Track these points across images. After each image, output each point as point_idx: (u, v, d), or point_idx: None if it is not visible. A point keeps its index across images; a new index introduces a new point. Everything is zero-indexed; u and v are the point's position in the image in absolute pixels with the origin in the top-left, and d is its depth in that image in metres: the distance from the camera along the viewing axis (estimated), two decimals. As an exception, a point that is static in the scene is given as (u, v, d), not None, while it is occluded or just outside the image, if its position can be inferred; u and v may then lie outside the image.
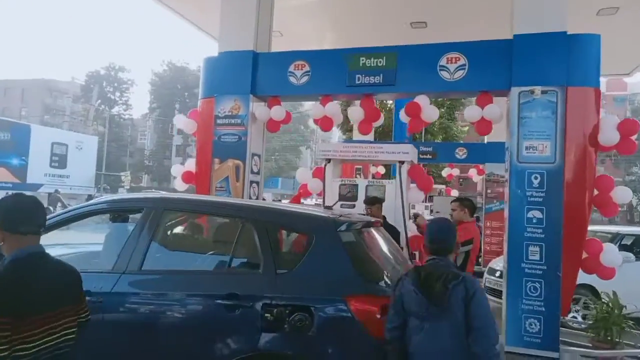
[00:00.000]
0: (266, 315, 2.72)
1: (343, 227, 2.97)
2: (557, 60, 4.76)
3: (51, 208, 22.72)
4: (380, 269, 2.93)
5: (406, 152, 5.33)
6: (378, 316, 2.66)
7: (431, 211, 13.93)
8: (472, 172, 13.62)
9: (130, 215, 3.80)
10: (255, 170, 6.33)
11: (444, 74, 5.29)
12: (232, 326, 2.81)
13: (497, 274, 7.23)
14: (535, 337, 4.74)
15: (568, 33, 4.80)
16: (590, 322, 5.20)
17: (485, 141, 12.45)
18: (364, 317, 2.65)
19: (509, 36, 5.10)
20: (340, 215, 3.12)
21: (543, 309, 4.71)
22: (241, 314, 2.79)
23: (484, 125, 5.22)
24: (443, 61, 5.29)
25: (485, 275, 7.80)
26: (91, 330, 2.91)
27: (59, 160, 24.20)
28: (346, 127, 19.50)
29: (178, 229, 5.17)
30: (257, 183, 6.43)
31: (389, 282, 2.85)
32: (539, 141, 4.82)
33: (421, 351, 2.37)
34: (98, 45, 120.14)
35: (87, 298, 2.90)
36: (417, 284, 2.42)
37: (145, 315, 3.00)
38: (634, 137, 4.79)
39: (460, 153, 12.21)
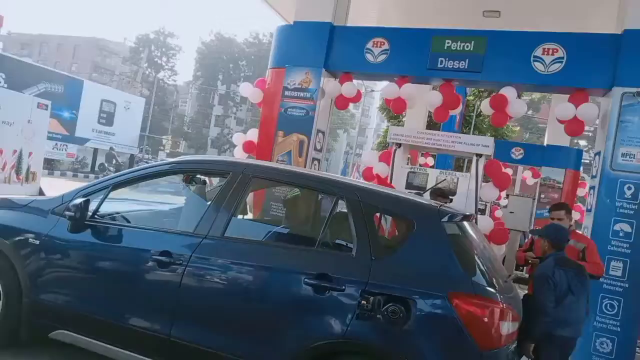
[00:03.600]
0: (357, 301, 2.49)
1: (446, 218, 2.71)
2: (673, 61, 4.33)
3: (106, 164, 23.34)
4: (486, 268, 2.67)
5: (486, 145, 5.01)
6: (485, 320, 2.40)
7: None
8: (527, 174, 13.05)
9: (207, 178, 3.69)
10: (318, 147, 6.15)
11: (538, 66, 4.92)
12: (319, 308, 2.62)
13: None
14: (606, 357, 4.45)
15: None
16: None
17: (545, 143, 11.85)
18: (469, 318, 2.37)
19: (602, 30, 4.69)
20: (442, 205, 2.87)
21: (618, 329, 4.41)
22: (329, 297, 2.56)
23: (575, 126, 4.84)
24: (538, 52, 4.92)
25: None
26: (167, 295, 2.88)
27: (107, 117, 24.63)
28: (391, 113, 19.04)
29: (262, 198, 5.09)
30: (319, 160, 6.26)
31: (494, 284, 2.60)
32: (638, 149, 4.43)
33: (576, 316, 3.35)
34: (151, 8, 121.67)
35: (164, 259, 2.88)
36: (574, 271, 3.36)
37: (225, 285, 2.86)
38: None
39: (517, 153, 11.67)
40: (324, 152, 6.32)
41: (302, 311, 2.66)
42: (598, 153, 4.78)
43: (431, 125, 17.74)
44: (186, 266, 2.85)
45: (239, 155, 6.44)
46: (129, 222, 3.39)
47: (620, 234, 4.43)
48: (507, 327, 2.49)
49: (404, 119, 13.76)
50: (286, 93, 5.95)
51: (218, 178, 3.46)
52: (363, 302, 2.49)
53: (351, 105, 6.95)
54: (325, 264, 2.70)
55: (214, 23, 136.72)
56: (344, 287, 2.56)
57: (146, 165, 3.63)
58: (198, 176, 3.61)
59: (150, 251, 2.94)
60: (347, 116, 52.37)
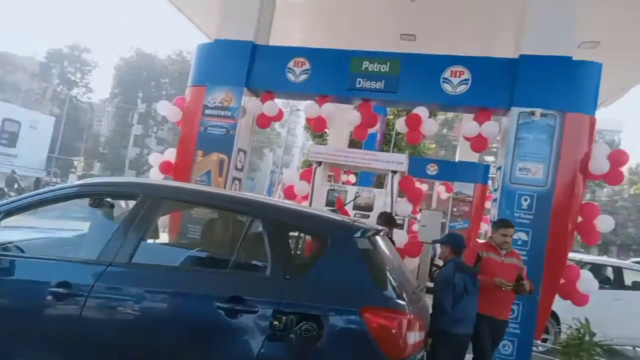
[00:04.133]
0: (270, 322, 2.47)
1: (359, 233, 2.73)
2: (560, 84, 4.84)
3: (6, 189, 21.20)
4: (397, 280, 2.74)
5: (400, 163, 5.27)
6: (393, 331, 2.47)
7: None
8: (441, 189, 13.82)
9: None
10: (239, 166, 6.09)
11: (447, 87, 5.29)
12: (231, 332, 2.55)
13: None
14: (507, 358, 4.77)
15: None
16: (560, 346, 5.28)
17: (457, 159, 12.66)
18: (379, 332, 2.43)
19: (506, 55, 5.16)
20: (355, 220, 2.95)
21: (518, 331, 4.74)
22: (243, 320, 2.50)
23: (480, 142, 5.24)
24: (447, 74, 5.29)
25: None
26: (68, 326, 2.66)
27: (9, 138, 22.69)
28: (315, 132, 19.38)
29: (175, 221, 4.87)
30: (240, 180, 6.19)
31: (404, 295, 2.67)
32: (533, 163, 4.88)
33: (469, 315, 3.74)
34: (64, 22, 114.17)
35: (64, 290, 2.66)
36: (469, 273, 3.77)
37: (131, 315, 2.70)
38: (622, 168, 4.92)
39: (432, 169, 12.33)
40: (245, 172, 6.27)
41: (213, 337, 2.58)
42: (499, 168, 5.20)
43: (353, 143, 18.30)
44: (87, 297, 2.66)
45: (156, 176, 6.20)
46: (23, 252, 3.08)
47: (519, 242, 4.79)
48: (414, 337, 2.59)
49: (327, 138, 14.07)
50: (206, 112, 5.86)
51: (130, 201, 3.30)
52: (275, 322, 2.47)
53: (277, 124, 7.06)
54: (239, 285, 2.65)
55: (134, 39, 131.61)
56: (257, 309, 2.52)
57: (47, 189, 3.36)
58: (106, 200, 3.40)
59: (47, 283, 2.71)
60: (273, 135, 52.47)
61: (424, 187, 14.74)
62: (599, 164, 4.81)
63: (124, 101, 49.99)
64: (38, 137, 24.33)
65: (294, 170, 6.91)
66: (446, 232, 12.10)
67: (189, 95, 6.09)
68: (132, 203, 3.05)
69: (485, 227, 9.22)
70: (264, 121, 5.99)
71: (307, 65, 5.66)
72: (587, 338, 5.09)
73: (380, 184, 15.70)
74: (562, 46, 4.91)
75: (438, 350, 3.63)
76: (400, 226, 7.28)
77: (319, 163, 5.55)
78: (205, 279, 2.78)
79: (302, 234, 3.46)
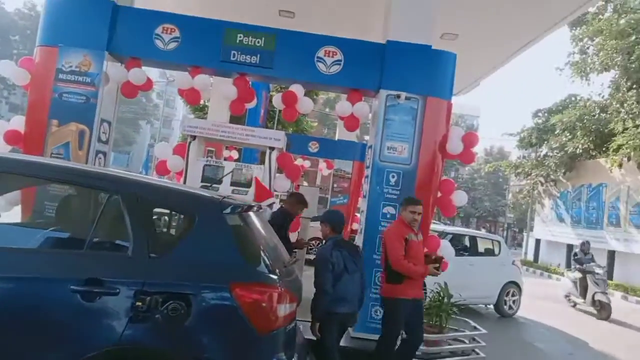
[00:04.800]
0: (134, 304, 2.34)
1: (229, 210, 2.67)
2: (422, 70, 5.19)
3: None
4: (267, 256, 2.73)
5: (278, 139, 5.25)
6: (264, 305, 2.48)
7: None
8: (322, 166, 14.23)
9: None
10: (103, 138, 5.56)
11: (321, 66, 5.35)
12: (90, 316, 2.37)
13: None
14: (379, 323, 5.11)
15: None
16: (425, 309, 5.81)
17: (337, 138, 13.09)
18: (249, 307, 2.43)
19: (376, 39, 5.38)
20: (225, 197, 2.86)
21: None
22: (101, 303, 2.36)
23: (352, 121, 5.43)
24: (321, 53, 5.34)
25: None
26: None
27: None
28: (195, 106, 18.56)
29: (33, 199, 4.25)
30: (105, 154, 5.66)
31: (275, 270, 2.69)
32: (399, 143, 5.20)
33: (351, 293, 3.75)
34: None
35: None
36: (348, 250, 3.81)
37: None
38: (474, 149, 5.49)
39: (313, 147, 12.61)
40: (110, 145, 5.75)
41: (69, 323, 2.38)
42: (371, 146, 5.46)
43: (235, 118, 17.88)
44: None
45: (1, 147, 5.38)
46: None
47: (388, 216, 5.14)
48: (285, 309, 2.63)
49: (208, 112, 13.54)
50: (60, 76, 5.20)
51: None
52: (138, 303, 2.35)
53: (154, 95, 6.51)
54: (97, 267, 2.47)
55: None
56: (117, 290, 2.38)
57: None
58: None
59: None
60: (149, 106, 49.09)
61: (307, 164, 15.10)
62: (455, 144, 5.30)
63: (-35, 60, 42.57)
64: None
65: (167, 144, 6.50)
66: (328, 207, 12.60)
67: (38, 55, 5.33)
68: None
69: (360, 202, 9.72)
70: (130, 90, 5.50)
71: (177, 33, 5.29)
72: (445, 300, 5.65)
73: (263, 161, 15.67)
74: (424, 35, 5.25)
75: (323, 330, 3.69)
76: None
77: (193, 137, 5.29)
78: (58, 261, 2.53)
79: (169, 211, 3.26)
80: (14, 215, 4.14)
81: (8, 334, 2.38)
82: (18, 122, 5.48)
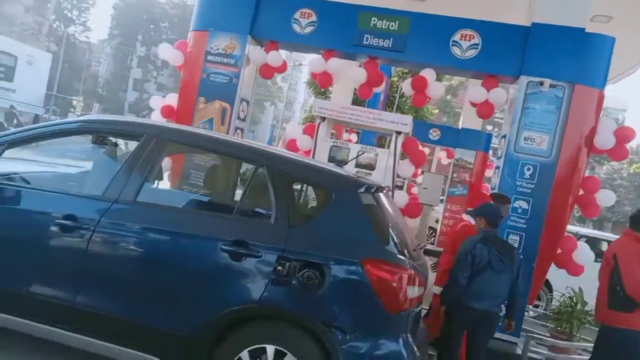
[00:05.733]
0: (275, 267, 2.55)
1: (363, 188, 2.79)
2: (571, 55, 4.72)
3: (5, 124, 20.95)
4: (398, 237, 2.79)
5: (405, 124, 5.19)
6: (394, 285, 2.54)
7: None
8: (442, 155, 13.77)
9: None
10: (242, 116, 6.01)
11: (456, 50, 5.14)
12: (235, 275, 2.60)
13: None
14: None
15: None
16: (553, 313, 5.43)
17: (460, 126, 12.54)
18: (379, 284, 2.51)
19: (518, 22, 5.00)
20: (359, 176, 2.95)
21: None
22: (246, 263, 2.59)
23: (486, 108, 5.16)
24: (457, 36, 5.13)
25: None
26: (74, 259, 2.71)
27: (6, 72, 22.17)
28: (318, 89, 19.09)
29: (180, 164, 4.85)
30: (242, 130, 6.14)
31: (405, 252, 2.73)
32: (538, 134, 4.83)
33: (492, 292, 3.56)
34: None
35: (71, 223, 2.69)
36: (498, 248, 3.60)
37: (137, 251, 2.75)
38: (627, 145, 4.89)
39: (434, 134, 12.25)
40: (247, 122, 6.20)
41: (217, 278, 2.64)
42: (504, 136, 5.15)
43: (356, 102, 18.07)
44: (93, 231, 2.70)
45: (157, 119, 6.12)
46: (29, 184, 3.11)
47: (519, 210, 4.83)
48: (413, 291, 2.65)
49: (330, 95, 13.86)
50: (209, 58, 5.71)
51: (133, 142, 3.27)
52: (279, 268, 2.54)
53: (279, 77, 6.95)
54: (243, 231, 2.70)
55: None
56: (260, 254, 2.59)
57: (50, 122, 3.32)
58: (109, 138, 3.37)
59: (53, 214, 2.75)
60: (274, 89, 51.66)
61: (425, 151, 14.75)
62: (605, 138, 4.78)
63: (123, 43, 48.70)
64: (35, 73, 23.76)
65: (298, 125, 6.82)
66: (445, 196, 12.21)
67: (191, 39, 5.91)
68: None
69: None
70: (267, 72, 5.86)
71: (313, 17, 5.47)
72: (579, 307, 5.22)
73: (381, 145, 15.72)
74: (575, 17, 4.75)
75: (450, 321, 3.65)
76: (400, 188, 7.30)
77: (323, 118, 5.46)
78: (211, 222, 2.83)
79: (307, 186, 3.45)
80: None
81: (164, 279, 2.71)
82: (172, 99, 6.17)
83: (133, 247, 2.75)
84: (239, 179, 3.31)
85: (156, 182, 3.37)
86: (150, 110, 6.51)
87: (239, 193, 2.94)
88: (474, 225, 3.94)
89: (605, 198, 4.91)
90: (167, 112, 6.03)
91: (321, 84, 5.86)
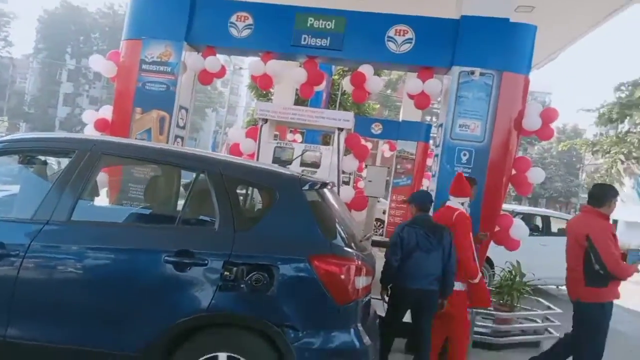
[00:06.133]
0: (222, 274, 2.54)
1: (307, 186, 2.83)
2: (498, 44, 5.00)
3: None
4: (344, 230, 2.83)
5: (347, 120, 5.32)
6: (342, 277, 2.60)
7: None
8: (384, 148, 14.12)
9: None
10: (181, 124, 5.90)
11: (391, 46, 5.31)
12: (181, 285, 2.57)
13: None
14: None
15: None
16: (495, 288, 5.73)
17: (400, 119, 12.92)
18: (328, 278, 2.56)
19: (448, 15, 5.25)
20: (303, 174, 2.99)
21: None
22: (191, 273, 2.56)
23: (423, 99, 5.37)
24: (391, 32, 5.30)
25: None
26: (4, 288, 2.55)
27: None
28: (259, 91, 19.00)
29: (116, 178, 4.67)
30: (183, 138, 6.02)
31: (351, 244, 2.79)
32: (472, 120, 5.09)
33: (423, 271, 3.69)
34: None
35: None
36: (425, 229, 3.76)
37: (74, 273, 2.64)
38: (552, 125, 5.25)
39: (376, 128, 12.54)
40: (188, 130, 6.09)
41: (163, 290, 2.60)
42: (441, 125, 5.38)
43: (299, 102, 18.13)
44: (24, 257, 2.57)
45: (91, 134, 5.88)
46: None
47: (459, 194, 5.06)
48: (362, 282, 2.73)
49: (272, 97, 13.86)
50: (144, 67, 5.56)
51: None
52: (226, 273, 2.54)
53: (219, 83, 6.86)
54: (187, 240, 2.67)
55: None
56: (206, 261, 2.57)
57: None
58: (38, 157, 3.21)
59: None
60: (215, 94, 50.82)
61: (369, 146, 15.03)
62: (532, 120, 5.10)
63: (51, 57, 46.17)
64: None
65: (240, 129, 6.78)
66: (390, 188, 12.53)
67: (124, 49, 5.74)
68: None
69: (426, 183, 9.58)
70: (205, 77, 5.78)
71: (250, 20, 5.46)
72: (517, 279, 5.54)
73: (326, 142, 15.88)
74: (500, 8, 5.04)
75: (389, 303, 3.85)
76: (347, 183, 7.44)
77: (265, 120, 5.48)
78: (153, 235, 2.77)
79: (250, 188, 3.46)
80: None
81: (107, 299, 2.63)
82: (106, 111, 5.96)
83: (71, 269, 2.64)
84: (180, 188, 3.25)
85: (92, 198, 3.24)
86: (83, 125, 6.25)
87: (181, 203, 2.89)
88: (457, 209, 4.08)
89: (535, 176, 5.25)
90: (101, 125, 5.81)
91: (262, 86, 5.87)
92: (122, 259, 2.67)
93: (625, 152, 19.54)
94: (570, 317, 4.02)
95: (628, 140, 19.34)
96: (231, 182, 2.85)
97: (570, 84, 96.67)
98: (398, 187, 12.46)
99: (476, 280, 3.93)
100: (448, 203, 4.21)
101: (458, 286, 3.93)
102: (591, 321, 3.81)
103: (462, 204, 4.16)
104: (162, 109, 5.60)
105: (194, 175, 2.91)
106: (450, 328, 4.03)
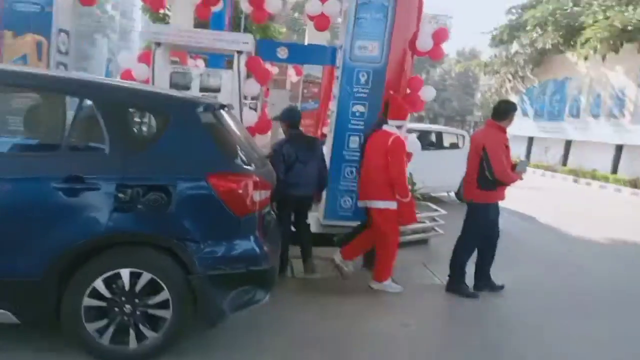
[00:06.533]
0: (116, 196, 2.58)
1: (201, 108, 2.84)
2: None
3: None
4: (242, 149, 2.93)
5: (246, 42, 5.13)
6: (240, 192, 2.72)
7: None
8: (291, 72, 13.92)
9: None
10: (63, 49, 5.36)
11: (287, -37, 5.11)
12: (74, 210, 2.58)
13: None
14: (348, 211, 5.48)
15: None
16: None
17: (306, 43, 12.70)
18: (225, 194, 2.68)
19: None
20: (198, 97, 2.95)
21: (355, 188, 5.29)
22: (84, 198, 2.57)
23: (322, 21, 5.34)
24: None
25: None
26: None
27: None
28: (155, 15, 17.47)
29: None
30: (66, 65, 5.49)
31: (250, 162, 2.90)
32: (370, 41, 5.19)
33: (304, 180, 4.26)
34: None
35: None
36: (300, 143, 4.26)
37: None
38: (443, 45, 5.52)
39: (282, 52, 12.16)
40: (71, 56, 5.54)
41: (54, 217, 2.58)
42: (341, 47, 5.42)
43: (200, 26, 16.95)
44: None
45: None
46: None
47: (357, 114, 5.28)
48: (260, 195, 2.89)
49: (170, 21, 12.84)
50: (9, -17, 4.86)
51: None
52: (120, 195, 2.58)
53: (109, 6, 6.12)
54: (76, 166, 2.63)
55: None
56: (99, 186, 2.58)
57: None
58: None
59: None
60: (105, 18, 45.68)
61: (275, 71, 14.72)
62: (424, 41, 5.31)
63: None
64: None
65: (131, 54, 6.28)
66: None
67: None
68: None
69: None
70: (87, -4, 5.20)
71: None
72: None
73: (230, 67, 15.26)
74: None
75: (279, 209, 4.23)
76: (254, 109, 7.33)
77: (158, 44, 5.12)
78: (38, 163, 2.69)
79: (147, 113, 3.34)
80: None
81: None
82: (-31, 35, 5.19)
83: None
84: (66, 115, 3.06)
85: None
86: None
87: (67, 129, 2.76)
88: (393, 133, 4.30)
89: (427, 93, 5.58)
90: (-34, 51, 5.09)
91: (153, 7, 5.42)
92: (7, 189, 2.59)
93: (512, 71, 21.19)
94: (454, 217, 4.58)
95: (515, 61, 20.90)
96: (119, 107, 2.79)
97: (470, 8, 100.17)
98: (306, 112, 12.47)
99: (407, 200, 4.28)
100: (385, 127, 4.41)
101: (390, 205, 4.30)
102: (479, 218, 4.44)
103: (399, 127, 4.42)
104: (37, 32, 5.04)
105: (78, 100, 2.76)
106: (380, 241, 4.40)
